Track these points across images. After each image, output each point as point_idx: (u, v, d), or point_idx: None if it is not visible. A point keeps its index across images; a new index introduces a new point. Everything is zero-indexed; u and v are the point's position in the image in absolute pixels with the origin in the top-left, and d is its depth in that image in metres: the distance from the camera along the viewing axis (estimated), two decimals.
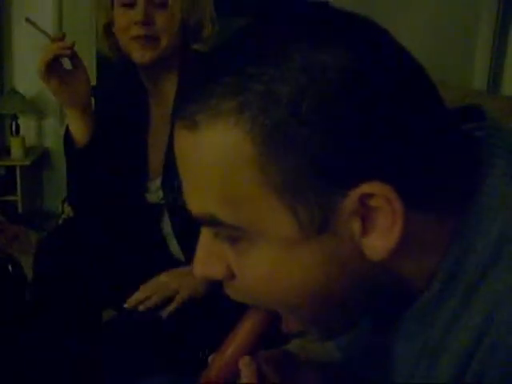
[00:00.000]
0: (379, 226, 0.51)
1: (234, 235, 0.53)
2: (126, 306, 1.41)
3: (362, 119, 0.49)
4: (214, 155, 0.51)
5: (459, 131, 0.58)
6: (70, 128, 1.42)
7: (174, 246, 1.55)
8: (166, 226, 1.54)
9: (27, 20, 1.40)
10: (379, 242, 0.51)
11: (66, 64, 1.41)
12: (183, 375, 1.01)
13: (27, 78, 3.70)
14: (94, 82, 1.65)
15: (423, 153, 0.51)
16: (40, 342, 1.49)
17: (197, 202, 0.54)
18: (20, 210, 3.62)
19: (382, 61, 0.51)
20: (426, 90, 0.54)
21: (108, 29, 1.48)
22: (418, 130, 0.51)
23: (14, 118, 3.71)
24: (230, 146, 0.50)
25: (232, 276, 0.56)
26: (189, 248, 1.51)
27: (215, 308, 1.37)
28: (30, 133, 3.86)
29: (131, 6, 1.39)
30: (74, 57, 1.39)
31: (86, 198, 1.49)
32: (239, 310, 0.67)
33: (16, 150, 3.62)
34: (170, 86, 1.49)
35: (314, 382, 0.69)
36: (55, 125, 3.85)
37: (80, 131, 1.40)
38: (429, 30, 3.16)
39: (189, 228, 1.48)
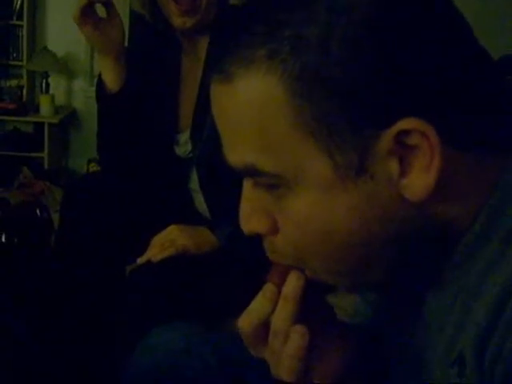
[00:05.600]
0: (417, 165, 0.50)
1: (274, 183, 0.53)
2: (138, 262, 1.43)
3: (393, 56, 0.48)
4: (249, 104, 0.52)
5: (501, 77, 0.57)
6: (103, 76, 1.43)
7: (200, 202, 1.55)
8: (193, 181, 1.55)
9: None
10: (418, 182, 0.50)
11: (102, 13, 1.42)
12: (199, 322, 1.03)
13: (60, 37, 3.73)
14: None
15: (457, 90, 0.51)
16: (63, 293, 1.52)
17: (236, 154, 0.54)
18: (46, 166, 3.66)
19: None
20: (461, 31, 0.53)
21: None
22: (451, 67, 0.50)
23: (45, 75, 3.74)
24: (264, 93, 0.51)
25: (276, 230, 0.57)
26: (214, 203, 1.52)
27: (231, 262, 1.39)
28: (60, 92, 3.90)
29: None
30: (108, 4, 1.40)
31: (115, 147, 1.50)
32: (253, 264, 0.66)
33: (45, 108, 3.66)
34: (203, 41, 1.49)
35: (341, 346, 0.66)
36: (84, 86, 3.88)
37: (112, 79, 1.41)
38: None
39: (215, 183, 1.51)
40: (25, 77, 3.82)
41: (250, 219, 0.58)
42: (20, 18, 3.73)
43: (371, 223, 0.53)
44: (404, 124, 0.49)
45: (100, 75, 1.45)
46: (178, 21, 1.41)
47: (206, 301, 1.36)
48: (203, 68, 1.47)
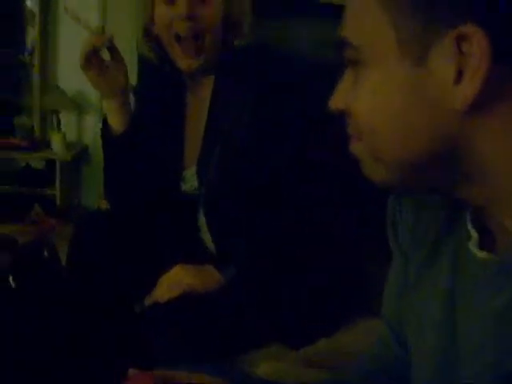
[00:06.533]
0: (467, 72, 0.55)
1: (356, 58, 0.61)
2: (146, 303, 1.43)
3: None
4: None
5: None
6: (108, 119, 1.46)
7: (209, 240, 1.56)
8: (201, 219, 1.55)
9: (66, 10, 1.45)
10: (465, 89, 0.55)
11: (106, 57, 1.45)
12: (206, 362, 1.03)
13: (70, 75, 3.76)
14: (134, 82, 1.70)
15: None
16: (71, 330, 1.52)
17: (343, 31, 0.62)
18: (58, 203, 3.68)
19: None
20: None
21: (149, 30, 1.51)
22: None
23: (56, 112, 3.78)
24: None
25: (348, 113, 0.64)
26: (221, 241, 1.52)
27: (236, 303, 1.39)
28: (71, 129, 3.93)
29: (172, 2, 1.41)
30: (112, 49, 1.43)
31: (122, 188, 1.52)
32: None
33: (56, 145, 3.69)
34: (208, 81, 1.51)
35: None
36: (95, 122, 3.90)
37: (117, 122, 1.44)
38: None
39: (222, 222, 1.51)
40: (36, 114, 3.87)
41: (334, 100, 0.65)
42: (32, 56, 3.79)
43: (410, 111, 0.59)
44: (464, 28, 0.54)
45: (105, 118, 1.48)
46: (183, 63, 1.44)
47: (214, 339, 1.36)
48: (209, 106, 1.49)
